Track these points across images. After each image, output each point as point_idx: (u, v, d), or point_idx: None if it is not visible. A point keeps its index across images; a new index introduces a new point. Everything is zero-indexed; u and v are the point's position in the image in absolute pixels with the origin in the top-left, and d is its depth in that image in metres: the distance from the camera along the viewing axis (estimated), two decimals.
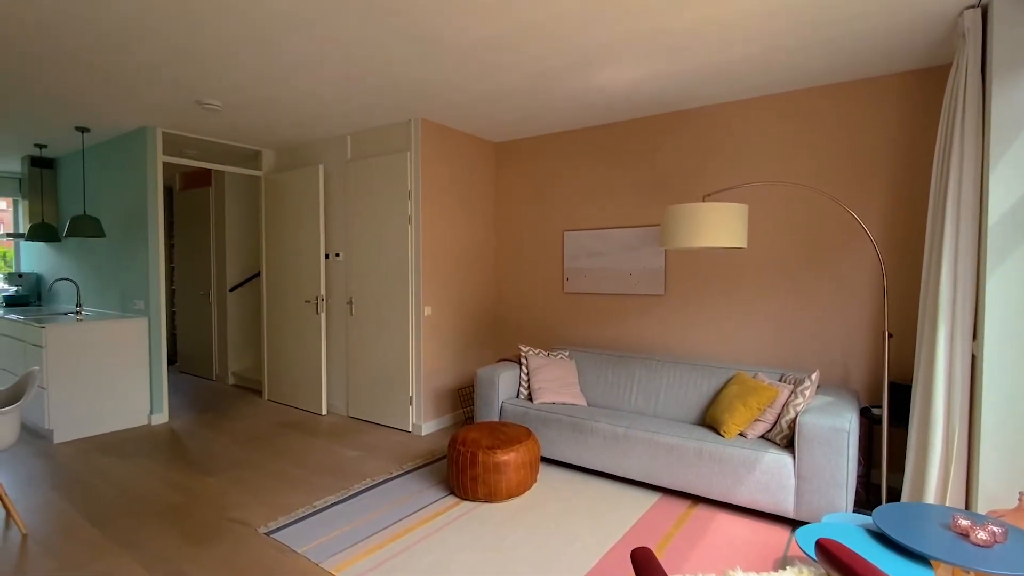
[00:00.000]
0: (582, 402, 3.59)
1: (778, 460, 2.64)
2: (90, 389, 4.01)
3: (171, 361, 6.89)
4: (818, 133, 3.28)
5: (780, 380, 3.13)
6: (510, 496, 2.90)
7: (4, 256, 6.41)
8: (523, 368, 3.71)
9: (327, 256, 4.67)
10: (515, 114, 3.86)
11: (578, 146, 4.24)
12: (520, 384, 3.70)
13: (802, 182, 3.34)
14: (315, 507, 2.83)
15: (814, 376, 2.84)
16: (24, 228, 5.99)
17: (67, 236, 4.26)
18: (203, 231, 6.03)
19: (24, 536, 2.53)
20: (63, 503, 2.89)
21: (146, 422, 4.32)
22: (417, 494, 3.00)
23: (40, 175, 5.32)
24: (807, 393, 2.81)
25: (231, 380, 5.82)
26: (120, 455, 3.62)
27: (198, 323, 6.17)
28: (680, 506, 2.88)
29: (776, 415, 2.88)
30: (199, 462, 3.50)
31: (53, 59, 2.85)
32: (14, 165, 5.78)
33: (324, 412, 4.62)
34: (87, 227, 4.27)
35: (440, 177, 4.18)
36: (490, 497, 2.86)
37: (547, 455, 3.37)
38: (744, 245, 2.82)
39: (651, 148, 3.88)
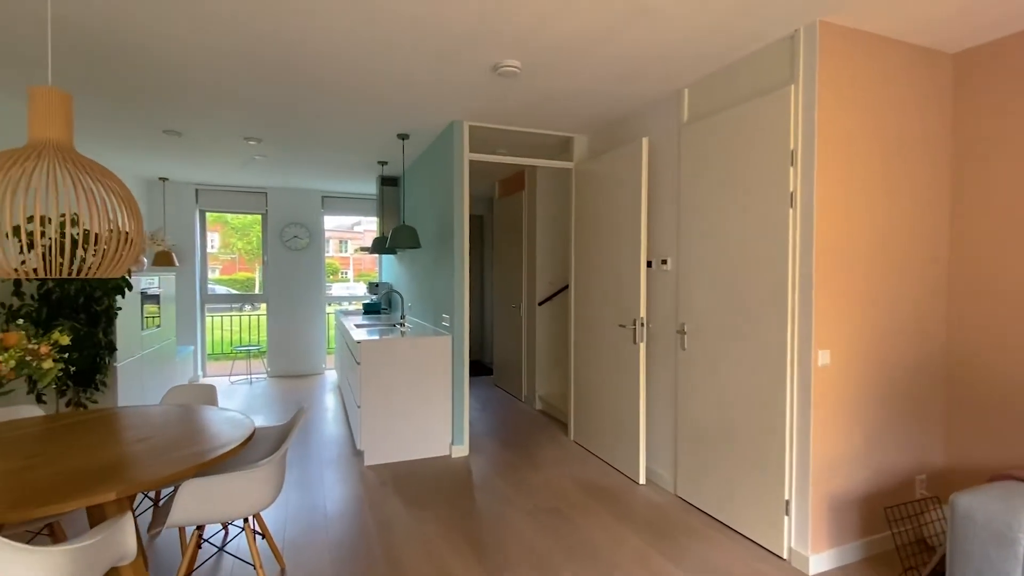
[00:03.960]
0: None
1: None
2: (396, 411, 3.70)
3: (488, 372, 6.81)
4: None
5: None
6: None
7: (327, 269, 7.39)
8: None
9: (649, 264, 3.38)
10: None
11: None
12: None
13: None
14: None
15: None
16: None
17: (389, 247, 4.14)
18: (516, 239, 5.59)
19: None
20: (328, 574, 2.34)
21: (446, 453, 3.84)
22: None
23: (384, 192, 5.70)
24: None
25: (538, 404, 5.15)
26: (409, 500, 3.08)
27: (510, 338, 5.77)
28: None
29: None
30: (482, 535, 2.63)
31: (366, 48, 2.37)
32: (373, 187, 6.49)
33: (641, 480, 3.33)
34: (404, 237, 4.07)
35: (849, 122, 2.38)
36: None
37: None
38: None
39: None
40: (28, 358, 1.82)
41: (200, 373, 6.59)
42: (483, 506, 3.02)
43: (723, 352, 2.76)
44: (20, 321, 2.95)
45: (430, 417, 3.79)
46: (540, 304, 5.17)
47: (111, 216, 1.86)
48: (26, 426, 2.10)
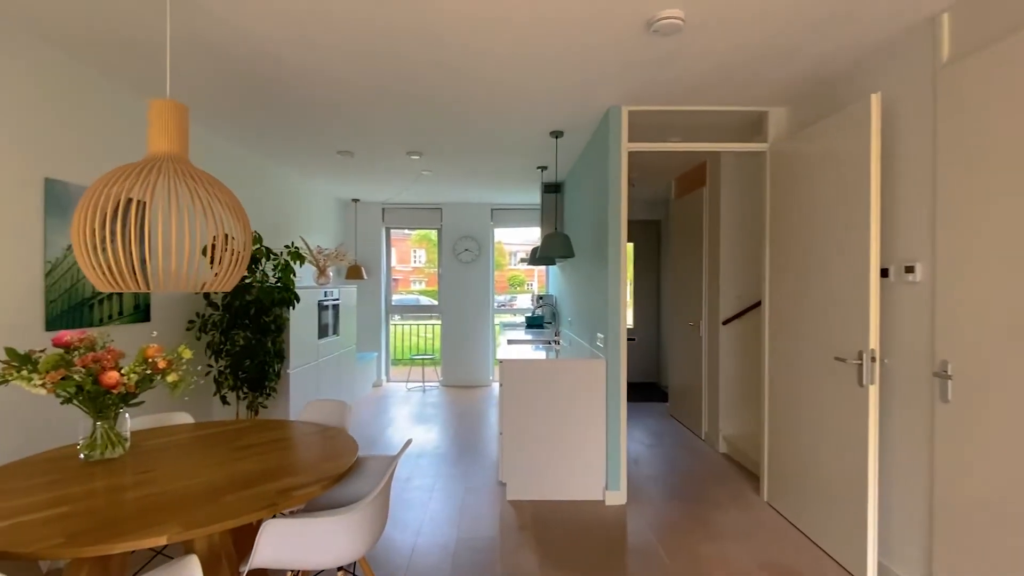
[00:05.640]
0: None
1: None
2: (541, 443, 3.26)
3: (663, 399, 5.99)
4: None
5: None
6: None
7: (513, 280, 7.18)
8: None
9: (884, 273, 2.38)
10: None
11: None
12: None
13: None
14: None
15: None
16: None
17: (539, 257, 3.77)
18: (695, 244, 4.76)
19: None
20: None
21: (599, 498, 3.27)
22: None
23: (545, 200, 5.38)
24: None
25: (721, 446, 4.23)
26: (547, 553, 2.59)
27: (688, 361, 4.92)
28: None
29: None
30: None
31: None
32: (537, 197, 6.24)
33: None
34: (555, 246, 3.65)
35: None
36: None
37: None
38: None
39: None
40: (148, 372, 1.84)
41: (384, 378, 7.07)
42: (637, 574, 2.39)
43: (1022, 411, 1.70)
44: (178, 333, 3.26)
45: (581, 453, 3.26)
46: (725, 323, 4.27)
47: (224, 229, 1.79)
48: (167, 435, 2.17)
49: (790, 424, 2.94)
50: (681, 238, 5.14)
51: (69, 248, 2.46)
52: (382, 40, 2.34)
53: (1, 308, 2.18)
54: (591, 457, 3.26)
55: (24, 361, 1.73)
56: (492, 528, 2.90)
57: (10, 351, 1.73)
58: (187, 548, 1.70)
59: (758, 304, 4.06)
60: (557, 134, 3.74)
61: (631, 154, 3.28)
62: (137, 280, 1.62)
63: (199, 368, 3.27)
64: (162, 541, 1.31)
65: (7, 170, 2.20)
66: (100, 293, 2.64)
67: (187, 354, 1.98)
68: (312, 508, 2.12)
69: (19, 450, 2.25)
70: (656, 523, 2.96)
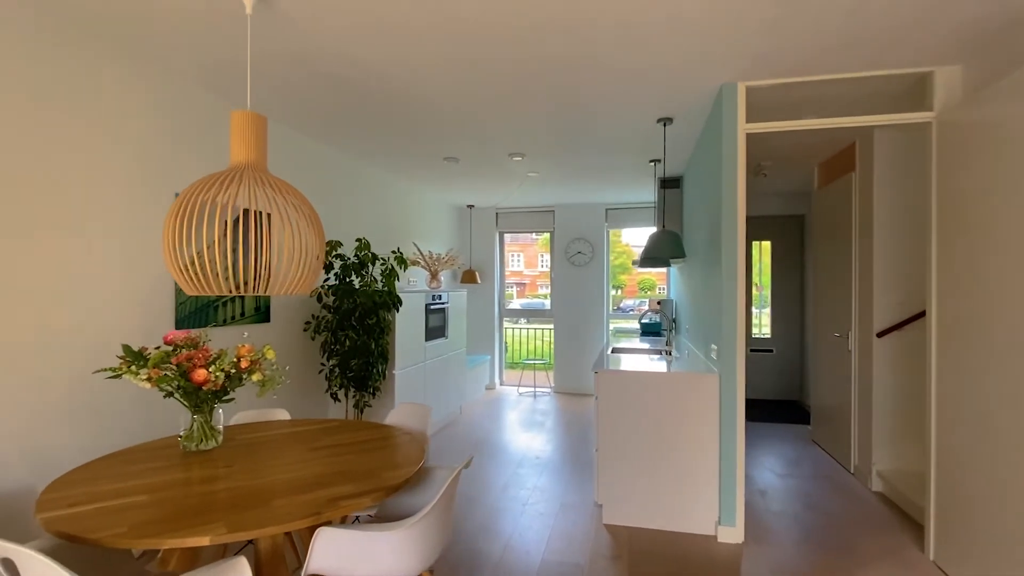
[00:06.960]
0: None
1: None
2: (642, 464, 2.94)
3: (804, 420, 5.18)
4: None
5: None
6: None
7: (643, 284, 6.75)
8: None
9: None
10: None
11: None
12: None
13: None
14: None
15: None
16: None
17: (645, 258, 3.44)
18: (842, 241, 4.02)
19: None
20: None
21: (710, 532, 2.85)
22: None
23: (660, 196, 4.95)
24: None
25: (875, 483, 3.50)
26: None
27: (834, 379, 4.18)
28: None
29: None
30: None
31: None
32: (653, 194, 5.80)
33: None
34: (663, 246, 3.30)
35: None
36: None
37: None
38: None
39: None
40: (233, 372, 1.94)
41: (497, 381, 7.11)
42: None
43: None
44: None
45: (688, 480, 2.88)
46: (880, 335, 3.53)
47: (301, 234, 1.83)
48: (260, 430, 2.30)
49: (968, 466, 2.28)
50: (825, 234, 4.39)
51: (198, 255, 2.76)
52: (472, 42, 2.26)
53: (138, 309, 2.49)
54: (701, 485, 2.87)
55: (136, 358, 1.93)
56: (582, 553, 2.66)
57: (126, 348, 1.93)
58: (254, 544, 1.75)
59: (923, 314, 3.30)
60: (666, 121, 3.38)
61: (757, 138, 2.84)
62: (207, 283, 1.72)
63: (288, 368, 3.47)
64: (205, 542, 1.33)
65: (144, 188, 2.52)
66: (224, 296, 2.92)
67: (271, 354, 2.06)
68: (382, 514, 2.09)
69: (150, 435, 2.56)
70: (780, 571, 2.48)
